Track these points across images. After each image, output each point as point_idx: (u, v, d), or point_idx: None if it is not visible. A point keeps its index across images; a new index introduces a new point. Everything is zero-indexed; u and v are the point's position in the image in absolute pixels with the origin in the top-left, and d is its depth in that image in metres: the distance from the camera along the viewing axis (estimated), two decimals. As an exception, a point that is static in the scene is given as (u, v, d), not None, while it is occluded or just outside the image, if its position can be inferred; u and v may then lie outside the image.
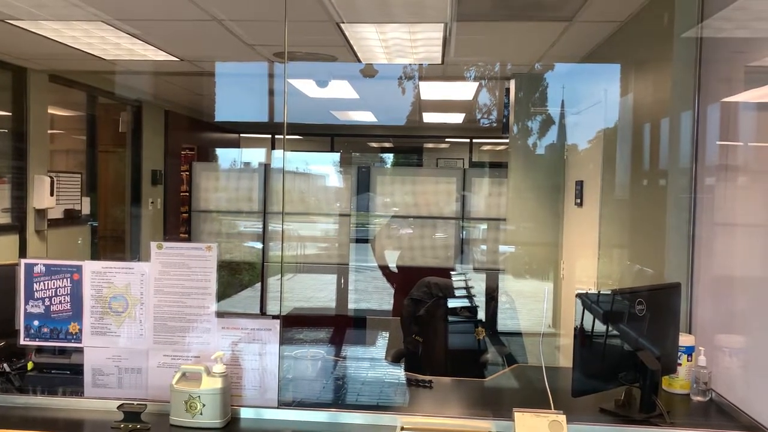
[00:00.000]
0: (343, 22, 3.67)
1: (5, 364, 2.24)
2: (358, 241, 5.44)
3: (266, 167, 5.62)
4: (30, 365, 2.25)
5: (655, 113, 3.07)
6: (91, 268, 2.17)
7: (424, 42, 4.08)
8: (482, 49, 4.49)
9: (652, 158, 3.12)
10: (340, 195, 5.50)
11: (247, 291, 5.83)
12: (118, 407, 2.03)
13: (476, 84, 5.95)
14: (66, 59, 4.92)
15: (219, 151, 9.77)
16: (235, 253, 5.62)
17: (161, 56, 4.73)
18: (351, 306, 5.58)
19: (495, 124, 7.34)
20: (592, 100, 4.33)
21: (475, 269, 5.20)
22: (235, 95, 7.32)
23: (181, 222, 7.87)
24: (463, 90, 6.33)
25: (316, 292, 7.12)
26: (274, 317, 2.15)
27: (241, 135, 10.63)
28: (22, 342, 2.18)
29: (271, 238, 5.44)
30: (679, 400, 2.30)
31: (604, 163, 3.90)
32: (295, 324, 5.32)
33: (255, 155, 11.07)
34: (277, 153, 6.95)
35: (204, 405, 1.96)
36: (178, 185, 8.11)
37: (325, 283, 5.68)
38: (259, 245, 5.47)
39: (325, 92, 6.48)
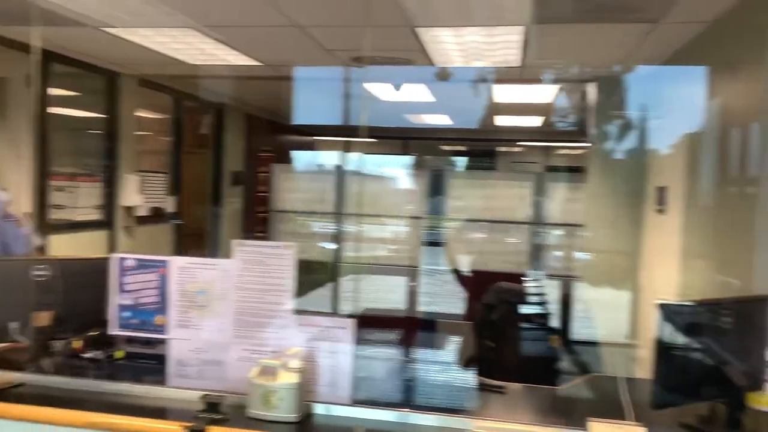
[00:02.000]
0: (421, 26, 3.69)
1: (98, 352, 2.38)
2: (429, 244, 5.44)
3: (340, 169, 5.71)
4: (119, 354, 2.38)
5: (744, 117, 2.93)
6: (177, 263, 2.27)
7: (502, 45, 4.05)
8: (562, 51, 4.41)
9: (740, 164, 2.98)
10: (412, 198, 5.52)
11: (320, 290, 5.94)
12: (200, 397, 2.12)
13: (555, 87, 5.84)
14: (155, 64, 5.17)
15: (295, 154, 9.99)
16: (308, 253, 5.74)
17: (243, 60, 4.89)
18: (422, 308, 5.58)
19: (573, 128, 7.19)
20: (675, 104, 4.18)
21: (550, 276, 5.10)
22: (312, 99, 7.47)
23: (258, 221, 8.09)
24: (541, 93, 6.23)
25: (386, 294, 7.17)
26: (349, 316, 2.19)
27: (317, 138, 10.83)
28: (112, 331, 2.31)
29: (344, 238, 5.52)
30: (766, 419, 2.19)
31: (689, 169, 3.76)
32: (366, 324, 5.36)
33: (329, 157, 11.24)
34: (351, 155, 7.04)
35: (281, 399, 2.01)
36: (256, 186, 8.34)
37: (396, 285, 5.71)
38: (332, 246, 5.57)
39: (398, 96, 6.52)
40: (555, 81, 5.49)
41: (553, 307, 3.93)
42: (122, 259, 2.30)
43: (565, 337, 4.25)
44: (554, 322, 3.75)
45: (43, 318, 2.51)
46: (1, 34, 4.12)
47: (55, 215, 5.02)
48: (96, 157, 5.66)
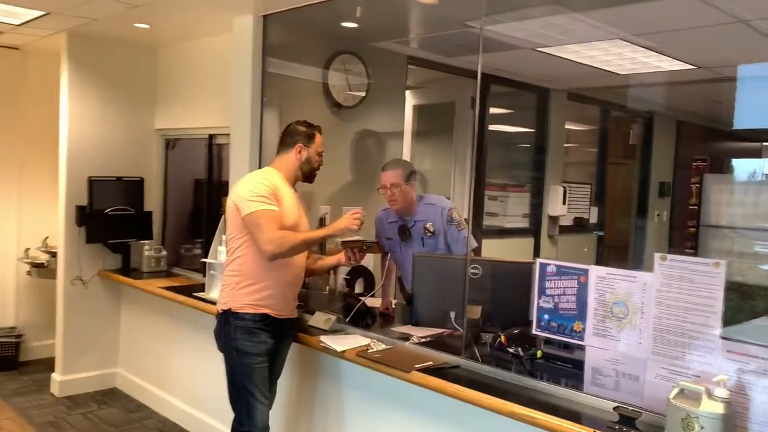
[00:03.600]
0: None
1: (519, 349, 2.57)
2: None
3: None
4: (539, 354, 2.53)
5: None
6: (596, 272, 2.30)
7: None
8: None
9: None
10: None
11: (761, 320, 5.20)
12: (613, 408, 2.11)
13: None
14: (583, 77, 5.28)
15: (735, 162, 8.95)
16: (746, 276, 5.09)
17: (676, 66, 4.63)
18: None
19: None
20: None
21: None
22: (759, 99, 6.60)
23: (687, 236, 7.53)
24: None
25: None
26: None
27: (764, 144, 9.49)
28: (533, 332, 2.47)
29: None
30: None
31: None
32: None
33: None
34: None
35: (702, 428, 1.86)
36: (687, 198, 7.77)
37: None
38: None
39: None
40: None
41: None
42: (544, 264, 2.44)
43: None
44: None
45: (475, 311, 2.83)
46: (454, 65, 4.79)
47: (487, 221, 5.57)
48: (525, 168, 6.08)
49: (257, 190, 2.80)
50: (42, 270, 5.10)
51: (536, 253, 5.99)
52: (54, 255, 4.89)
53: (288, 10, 3.57)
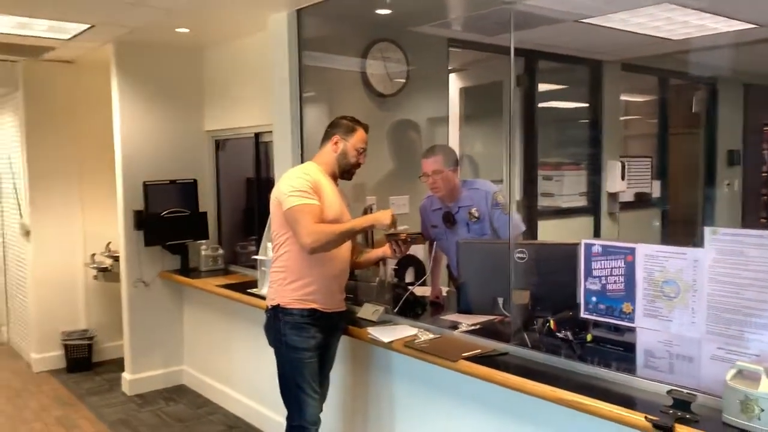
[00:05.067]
0: None
1: (569, 333, 2.48)
2: None
3: None
4: (589, 337, 2.43)
5: None
6: (643, 251, 2.19)
7: None
8: None
9: None
10: None
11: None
12: (667, 392, 2.01)
13: None
14: (636, 46, 5.05)
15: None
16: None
17: (735, 26, 4.36)
18: None
19: None
20: None
21: None
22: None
23: (761, 205, 7.14)
24: None
25: None
26: None
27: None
28: (582, 315, 2.38)
29: None
30: None
31: None
32: None
33: None
34: None
35: (762, 410, 1.75)
36: (759, 165, 7.37)
37: None
38: None
39: None
40: None
41: None
42: (589, 245, 2.34)
43: None
44: None
45: (523, 296, 2.75)
46: (497, 43, 4.66)
47: (543, 203, 5.43)
48: (580, 145, 5.88)
49: (297, 184, 2.81)
50: (107, 274, 5.31)
51: (596, 232, 5.81)
52: (117, 259, 5.07)
53: (321, 2, 3.55)
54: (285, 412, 2.96)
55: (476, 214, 3.31)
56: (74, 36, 4.42)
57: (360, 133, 2.99)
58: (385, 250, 3.10)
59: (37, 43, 4.64)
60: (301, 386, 2.87)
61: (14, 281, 6.08)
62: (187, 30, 4.33)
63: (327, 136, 3.02)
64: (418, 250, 3.66)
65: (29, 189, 5.42)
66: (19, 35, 4.38)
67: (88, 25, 4.13)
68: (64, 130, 5.49)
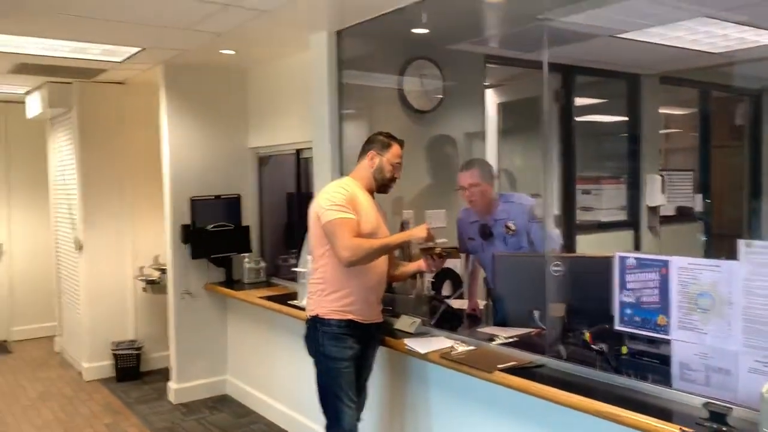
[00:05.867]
0: None
1: (604, 345, 2.50)
2: None
3: None
4: (624, 349, 2.45)
5: None
6: (678, 263, 2.21)
7: None
8: None
9: None
10: None
11: None
12: (703, 404, 2.02)
13: None
14: (675, 60, 5.03)
15: None
16: None
17: (777, 38, 4.32)
18: None
19: None
20: None
21: None
22: None
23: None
24: None
25: None
26: None
27: None
28: (617, 327, 2.40)
29: None
30: None
31: None
32: None
33: None
34: None
35: (798, 423, 1.75)
36: (808, 178, 7.17)
37: None
38: None
39: None
40: None
41: None
42: (623, 258, 2.37)
43: None
44: None
45: (559, 309, 2.78)
46: (534, 59, 4.70)
47: (582, 217, 5.41)
48: (619, 159, 5.85)
49: (334, 198, 2.90)
50: (155, 286, 5.50)
51: (636, 246, 5.75)
52: (164, 271, 5.26)
53: (360, 24, 3.67)
54: (324, 421, 3.03)
55: (512, 227, 3.35)
56: (126, 59, 4.64)
57: (395, 148, 3.07)
58: (420, 263, 3.17)
59: (91, 65, 4.89)
60: (338, 395, 2.94)
61: (68, 293, 6.33)
62: (232, 51, 4.50)
63: (363, 152, 3.11)
64: (456, 264, 3.72)
65: (82, 204, 5.67)
66: (76, 58, 4.62)
67: (139, 48, 4.34)
68: (114, 148, 5.74)
